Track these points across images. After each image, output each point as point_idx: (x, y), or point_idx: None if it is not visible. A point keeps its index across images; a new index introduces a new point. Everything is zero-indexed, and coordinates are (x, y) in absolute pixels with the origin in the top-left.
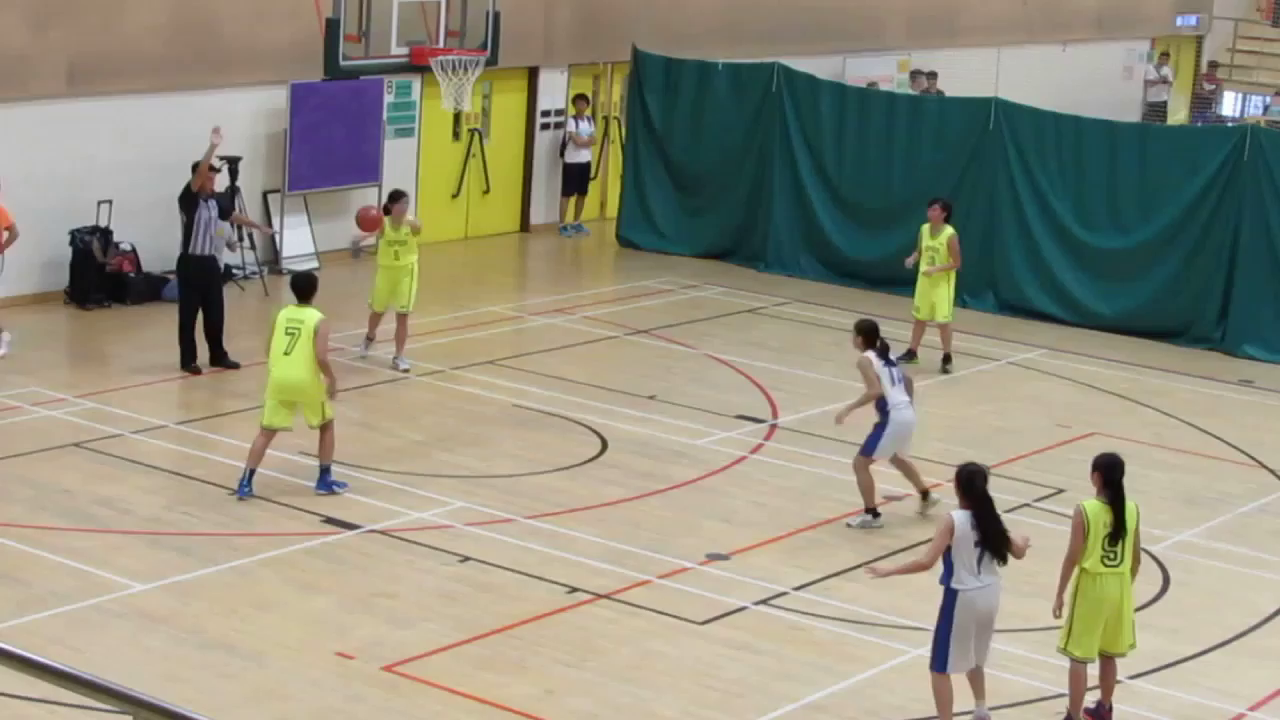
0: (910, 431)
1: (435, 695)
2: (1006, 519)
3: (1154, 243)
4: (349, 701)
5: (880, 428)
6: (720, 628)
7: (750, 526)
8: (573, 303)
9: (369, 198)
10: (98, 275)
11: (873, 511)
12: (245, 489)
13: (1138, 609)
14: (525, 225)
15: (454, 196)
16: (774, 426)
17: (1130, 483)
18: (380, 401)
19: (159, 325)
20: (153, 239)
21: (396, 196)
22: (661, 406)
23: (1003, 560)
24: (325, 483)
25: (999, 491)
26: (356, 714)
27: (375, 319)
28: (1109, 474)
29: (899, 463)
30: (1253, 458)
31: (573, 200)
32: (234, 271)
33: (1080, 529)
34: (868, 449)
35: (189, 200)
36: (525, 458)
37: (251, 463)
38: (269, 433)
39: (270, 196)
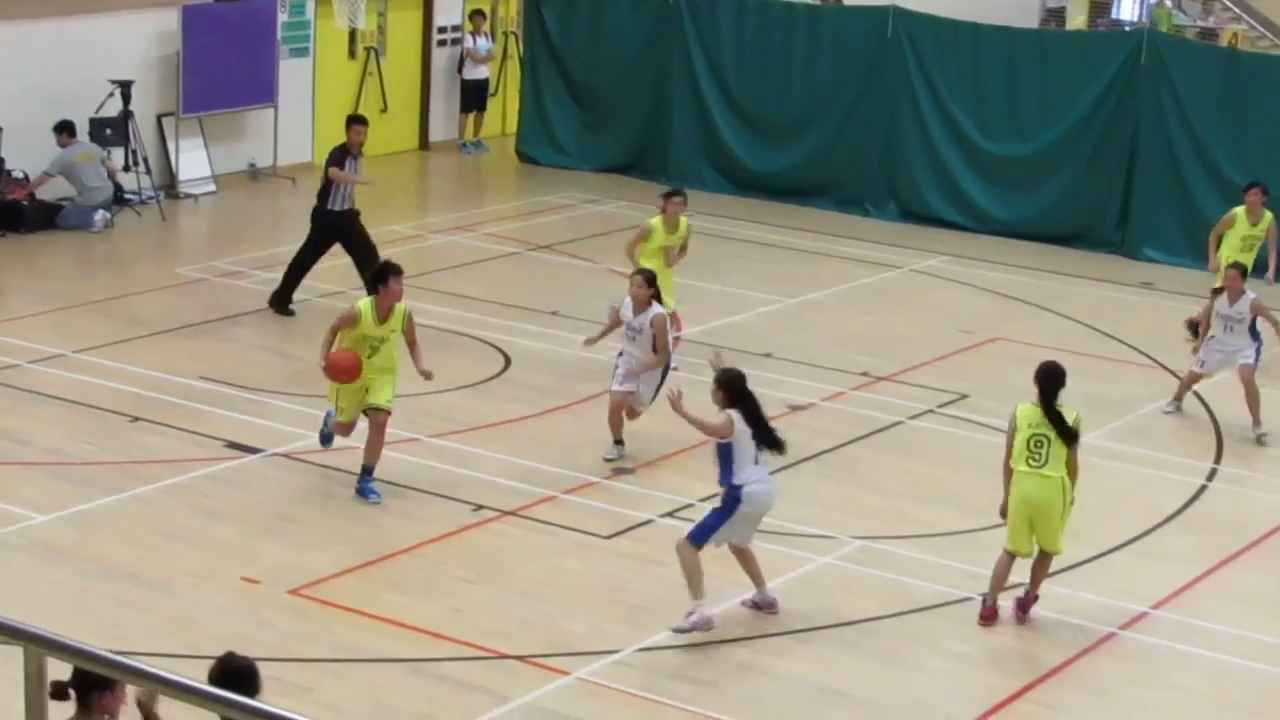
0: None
1: (343, 618)
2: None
3: (1054, 148)
4: (257, 627)
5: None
6: (627, 542)
7: (656, 440)
8: (473, 220)
9: (264, 119)
10: None
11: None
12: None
13: None
14: (424, 143)
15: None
16: (677, 339)
17: (1032, 386)
18: (279, 325)
19: (55, 254)
20: (45, 166)
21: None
22: (565, 322)
23: (780, 450)
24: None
25: (903, 399)
26: (265, 639)
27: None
28: (1040, 381)
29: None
30: (1154, 359)
31: (472, 117)
32: (127, 196)
33: (1010, 430)
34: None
35: (339, 157)
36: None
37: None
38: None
39: (164, 120)
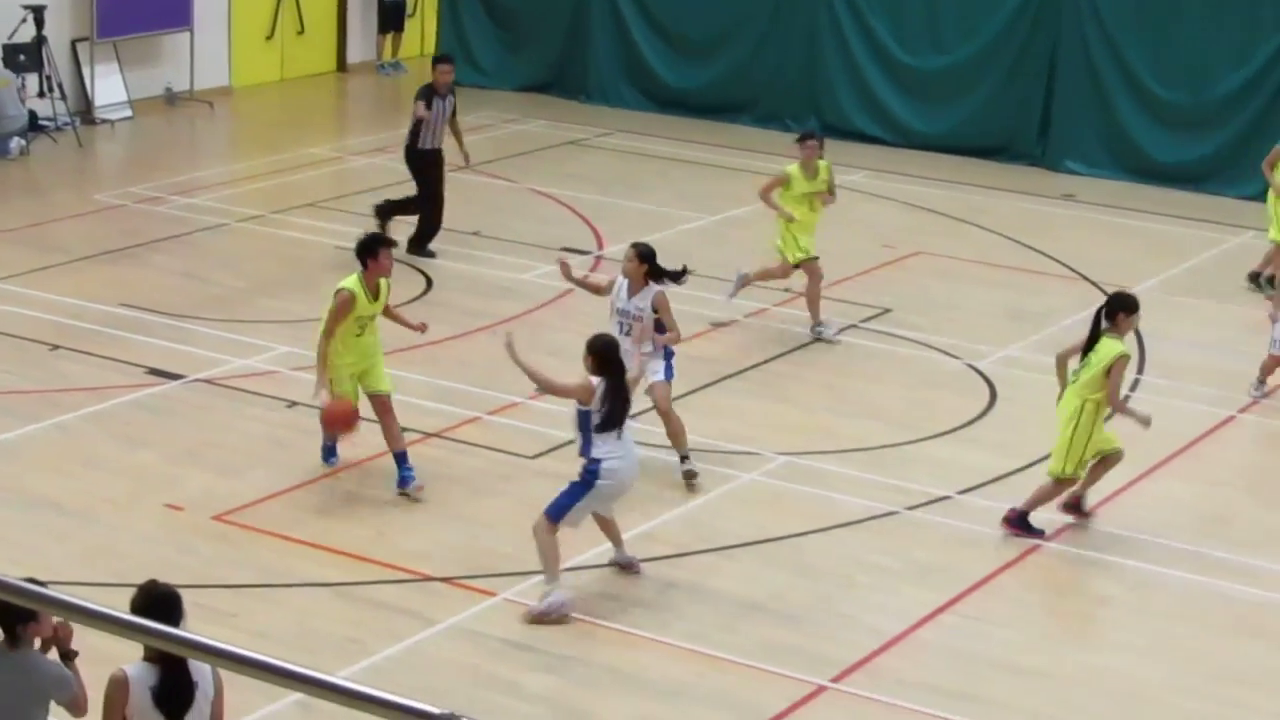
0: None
1: (267, 543)
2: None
3: (973, 61)
4: (181, 554)
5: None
6: (551, 461)
7: (578, 359)
8: (393, 142)
9: (180, 44)
10: None
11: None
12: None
13: (967, 424)
14: (342, 65)
15: (268, 38)
16: (599, 258)
17: (955, 299)
18: (201, 250)
19: None
20: None
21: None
22: (486, 242)
23: (615, 425)
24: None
25: (826, 314)
26: (189, 566)
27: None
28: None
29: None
30: (1075, 271)
31: (389, 38)
32: (42, 123)
33: None
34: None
35: (426, 96)
36: None
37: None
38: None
39: (79, 45)
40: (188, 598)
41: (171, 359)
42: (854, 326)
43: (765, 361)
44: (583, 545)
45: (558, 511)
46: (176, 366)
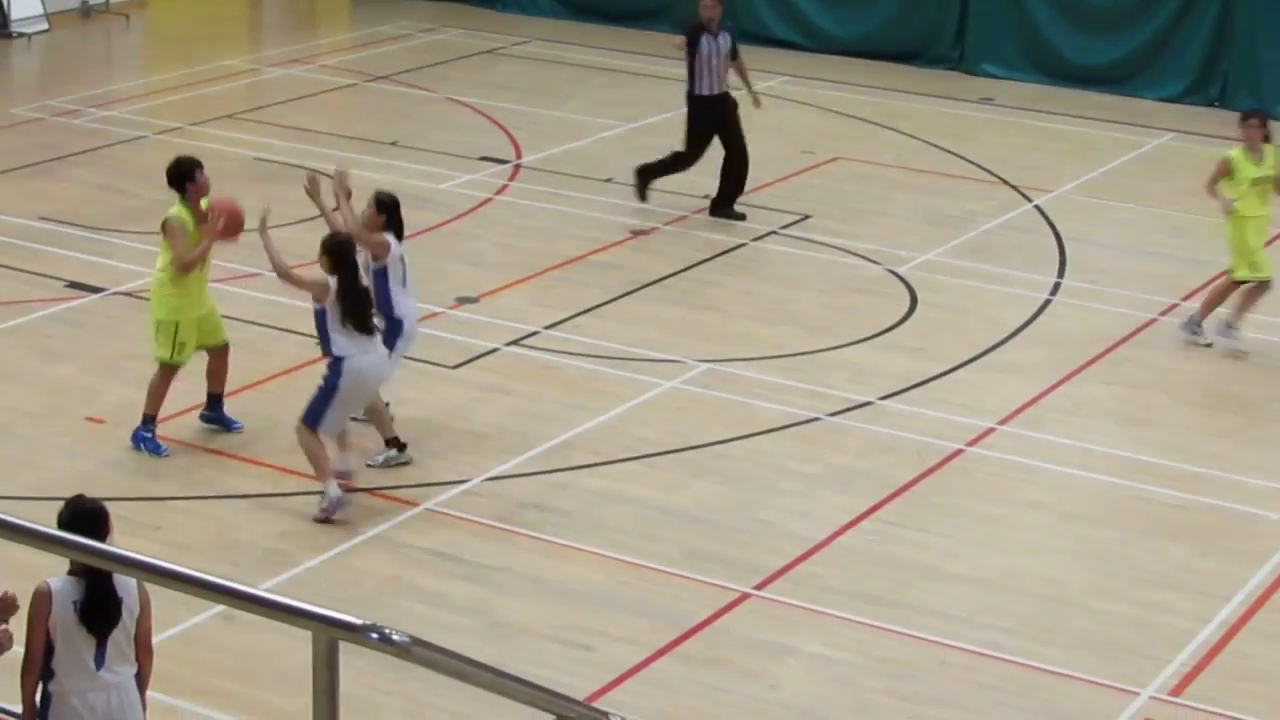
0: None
1: (188, 455)
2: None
3: None
4: (103, 467)
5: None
6: (472, 371)
7: (498, 268)
8: (309, 52)
9: None
10: None
11: (398, 443)
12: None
13: (887, 329)
14: None
15: None
16: (518, 167)
17: (874, 205)
18: (117, 163)
19: None
20: None
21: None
22: (404, 152)
23: (367, 330)
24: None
25: (748, 221)
26: (110, 479)
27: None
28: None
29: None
30: (995, 175)
31: None
32: None
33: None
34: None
35: (694, 35)
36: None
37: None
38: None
39: None
40: (110, 510)
41: (91, 272)
42: (773, 233)
43: (684, 269)
44: (504, 455)
45: (313, 417)
46: (96, 280)
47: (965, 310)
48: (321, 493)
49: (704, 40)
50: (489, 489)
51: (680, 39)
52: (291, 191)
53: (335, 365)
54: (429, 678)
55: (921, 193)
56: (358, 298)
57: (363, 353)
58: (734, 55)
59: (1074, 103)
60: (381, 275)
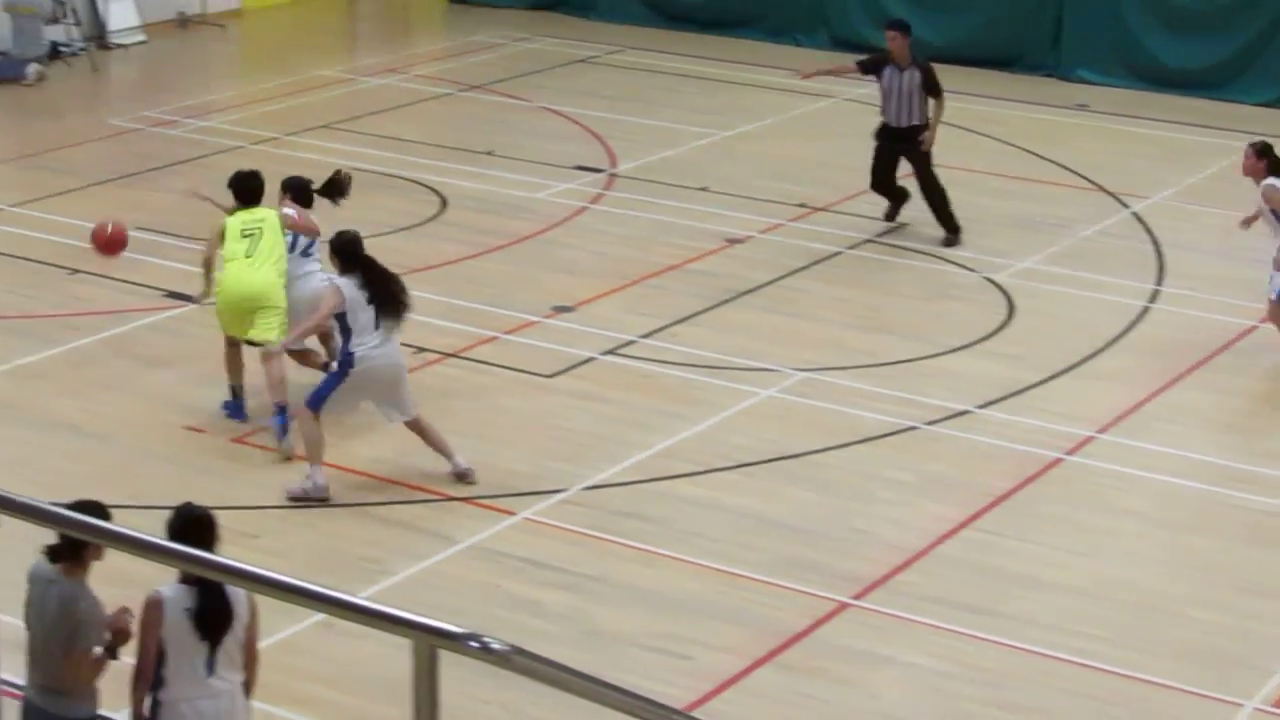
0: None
1: (287, 464)
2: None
3: None
4: (201, 475)
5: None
6: (568, 380)
7: (593, 277)
8: (404, 61)
9: None
10: None
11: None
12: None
13: (984, 337)
14: None
15: None
16: (612, 176)
17: (970, 213)
18: (213, 173)
19: None
20: None
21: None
22: (499, 161)
23: (396, 317)
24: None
25: (841, 229)
26: (209, 487)
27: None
28: None
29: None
30: (1091, 181)
31: None
32: (60, 48)
33: None
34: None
35: (878, 66)
36: (365, 220)
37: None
38: (234, 342)
39: None
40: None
41: (189, 282)
42: (869, 241)
43: (780, 277)
44: (600, 464)
45: (316, 401)
46: (194, 289)
47: (1063, 317)
48: (309, 476)
49: (886, 72)
50: (585, 498)
51: (851, 67)
52: (388, 200)
53: (347, 357)
54: (527, 686)
55: (1017, 199)
56: (384, 287)
57: (377, 345)
58: (928, 91)
59: (1169, 108)
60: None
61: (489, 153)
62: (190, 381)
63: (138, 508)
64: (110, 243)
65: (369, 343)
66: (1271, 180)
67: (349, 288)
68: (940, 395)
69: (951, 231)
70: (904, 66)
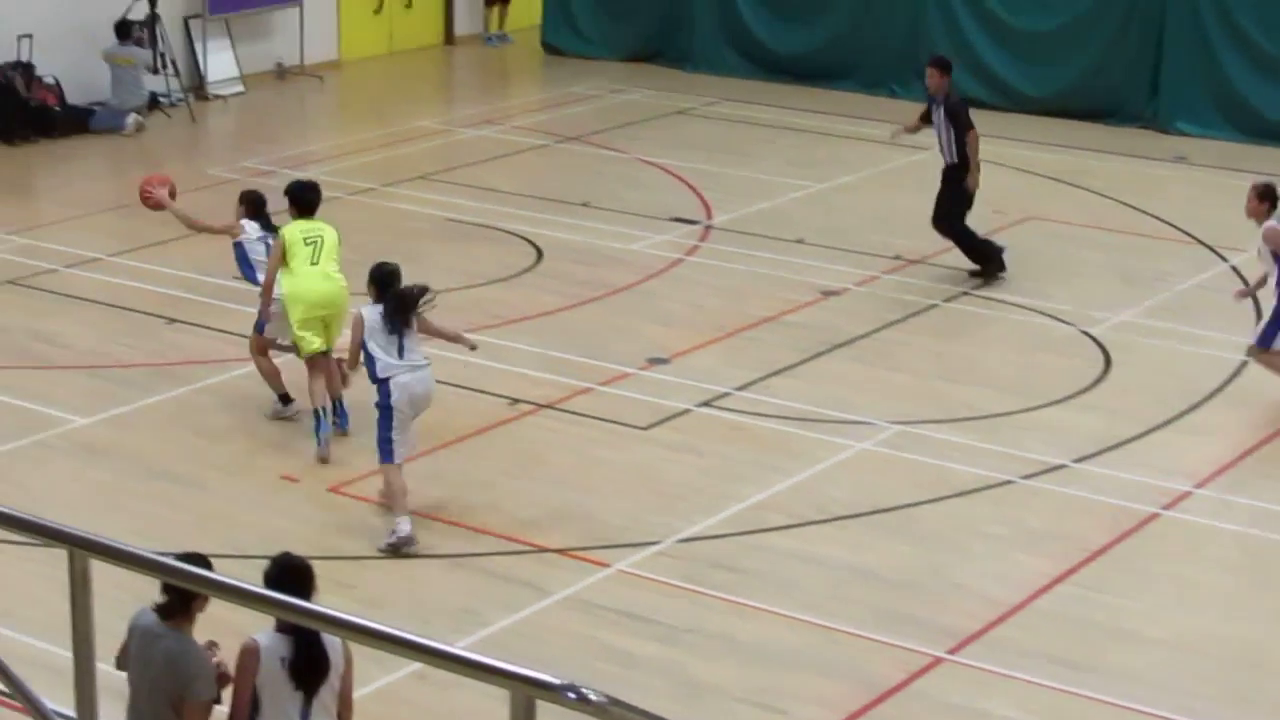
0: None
1: (383, 513)
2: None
3: (1081, 21)
4: (296, 523)
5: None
6: (663, 431)
7: (689, 328)
8: (501, 113)
9: (290, 18)
10: (22, 111)
11: (285, 399)
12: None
13: (1081, 391)
14: (449, 37)
15: (376, 12)
16: (708, 227)
17: (1067, 265)
18: None
19: (86, 158)
20: (74, 71)
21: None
22: (595, 212)
23: (401, 315)
24: (343, 413)
25: (937, 281)
26: (304, 535)
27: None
28: None
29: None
30: (1189, 234)
31: (496, 9)
32: (159, 99)
33: None
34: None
35: (926, 111)
36: (461, 271)
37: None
38: (315, 362)
39: (191, 22)
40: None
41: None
42: (965, 294)
43: (876, 330)
44: (695, 516)
45: (385, 451)
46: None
47: (1160, 371)
48: (393, 530)
49: (931, 108)
50: (680, 550)
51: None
52: (484, 251)
53: (383, 387)
54: None
55: (1114, 252)
56: (400, 314)
57: (408, 367)
58: (955, 126)
59: (1269, 160)
60: (239, 248)
61: (585, 204)
62: (286, 430)
63: (234, 556)
64: (151, 184)
65: (397, 365)
66: (1273, 222)
67: (371, 315)
68: (1036, 449)
69: (986, 264)
70: (939, 102)
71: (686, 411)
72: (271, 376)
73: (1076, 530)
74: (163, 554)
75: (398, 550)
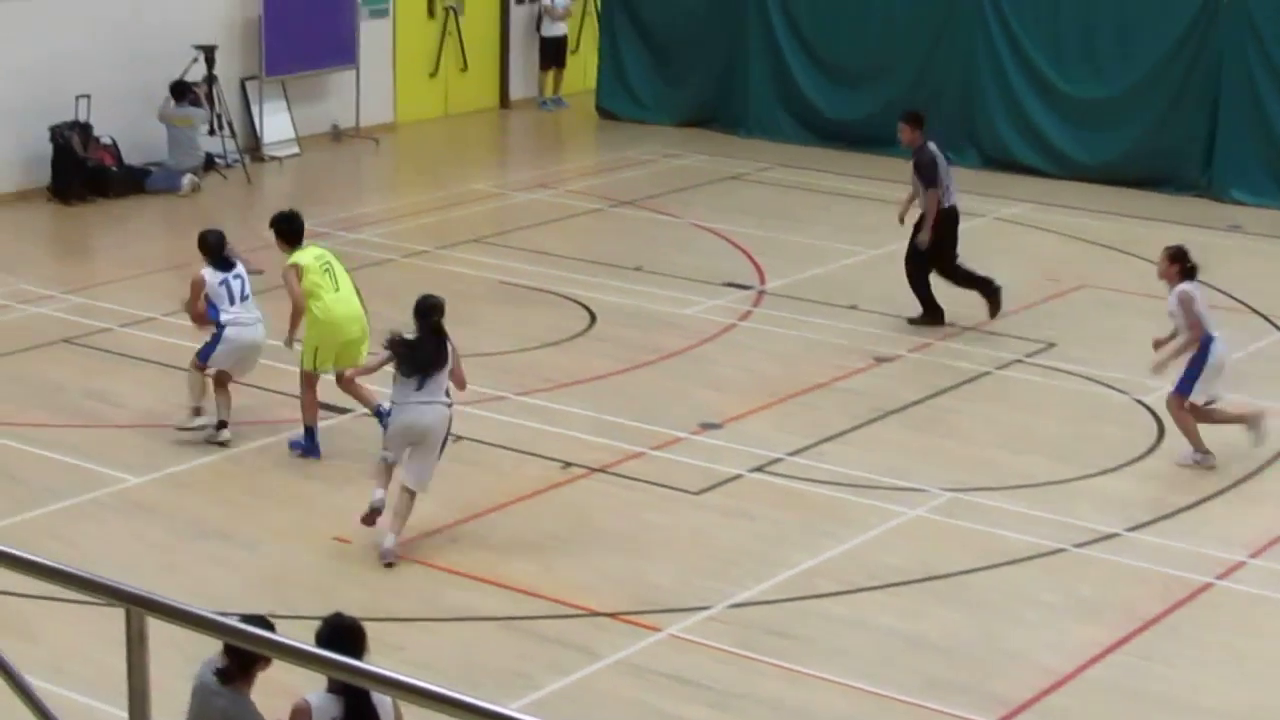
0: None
1: (434, 575)
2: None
3: (1135, 90)
4: (348, 585)
5: (214, 341)
6: (716, 496)
7: (742, 393)
8: (555, 177)
9: (346, 81)
10: (79, 170)
11: (196, 410)
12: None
13: (1135, 459)
14: (505, 101)
15: (432, 75)
16: (761, 292)
17: (1120, 333)
18: (366, 284)
19: (142, 218)
20: (132, 131)
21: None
22: (648, 277)
23: (438, 389)
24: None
25: (990, 348)
26: (356, 597)
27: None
28: None
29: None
30: (1243, 303)
31: (551, 74)
32: (215, 160)
33: None
34: (202, 356)
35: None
36: (514, 334)
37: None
38: (314, 381)
39: (248, 84)
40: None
41: (340, 393)
42: (1018, 361)
43: (928, 396)
44: (747, 581)
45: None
46: (345, 400)
47: (1213, 440)
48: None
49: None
50: (732, 615)
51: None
52: (538, 314)
53: (387, 412)
54: None
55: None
56: (421, 355)
57: (405, 404)
58: (920, 178)
59: None
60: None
61: (638, 268)
62: (339, 492)
63: (286, 616)
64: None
65: (401, 400)
66: (1184, 286)
67: (403, 339)
68: (1089, 517)
69: (928, 317)
70: (911, 156)
71: (739, 476)
72: (195, 389)
73: (1129, 599)
74: (223, 614)
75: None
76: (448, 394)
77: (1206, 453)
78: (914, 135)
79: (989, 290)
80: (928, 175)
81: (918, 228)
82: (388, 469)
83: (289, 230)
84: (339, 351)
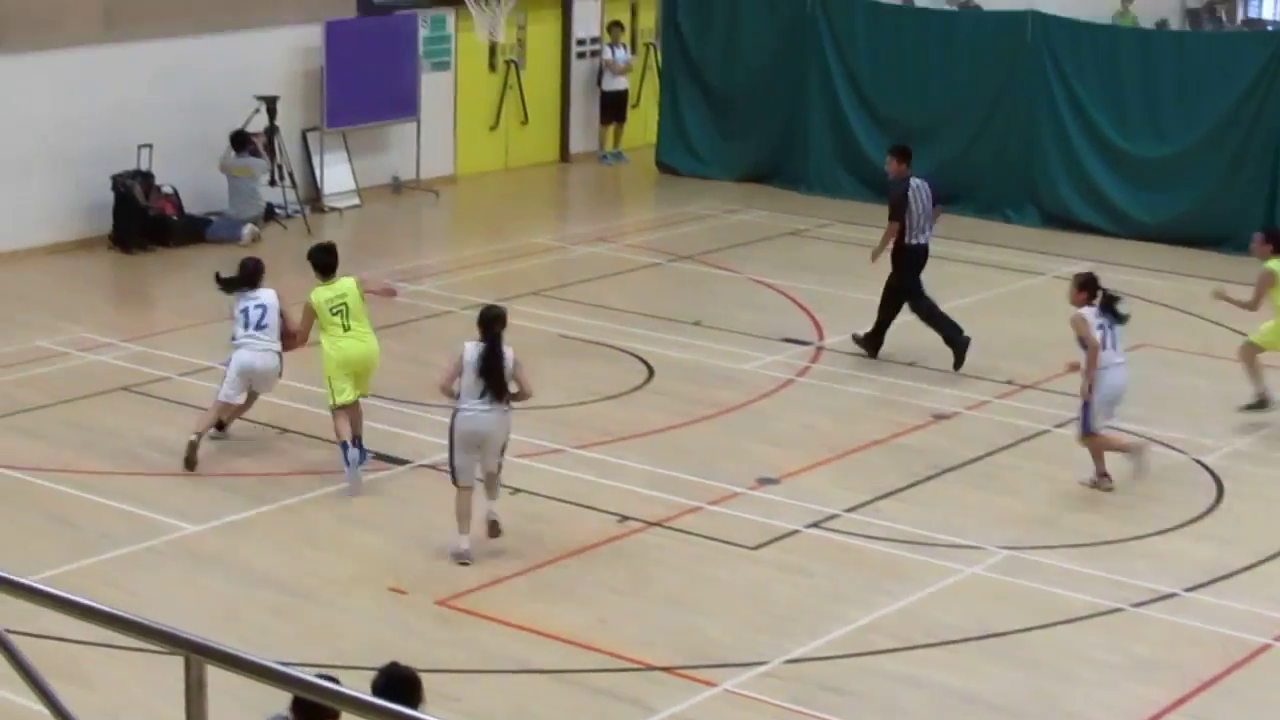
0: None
1: (489, 628)
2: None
3: (1195, 150)
4: (403, 636)
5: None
6: (772, 551)
7: (799, 449)
8: (614, 231)
9: (407, 133)
10: (140, 219)
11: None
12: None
13: (1190, 521)
14: (565, 155)
15: (492, 128)
16: (820, 349)
17: (1179, 393)
18: (425, 336)
19: (202, 267)
20: (193, 181)
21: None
22: (707, 332)
23: (498, 396)
24: (364, 450)
25: (1049, 406)
26: (411, 648)
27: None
28: None
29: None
30: None
31: (611, 128)
32: (275, 210)
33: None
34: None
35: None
36: (572, 387)
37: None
38: (345, 408)
39: (309, 135)
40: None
41: (397, 444)
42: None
43: (987, 454)
44: (803, 637)
45: (451, 470)
46: (402, 451)
47: (1273, 500)
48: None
49: (909, 196)
50: (787, 670)
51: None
52: (596, 368)
53: (452, 416)
54: None
55: (1229, 380)
56: (490, 366)
57: (473, 409)
58: (889, 208)
59: None
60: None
61: (697, 323)
62: (396, 542)
63: (339, 666)
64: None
65: (468, 406)
66: (1082, 310)
67: (471, 351)
68: (1147, 577)
69: (870, 344)
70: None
71: (795, 532)
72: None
73: (1187, 660)
74: (283, 663)
75: (458, 560)
76: (508, 400)
77: (1106, 476)
78: (900, 168)
79: (955, 338)
80: (894, 208)
81: (894, 262)
82: (468, 514)
83: (314, 263)
84: (354, 381)
